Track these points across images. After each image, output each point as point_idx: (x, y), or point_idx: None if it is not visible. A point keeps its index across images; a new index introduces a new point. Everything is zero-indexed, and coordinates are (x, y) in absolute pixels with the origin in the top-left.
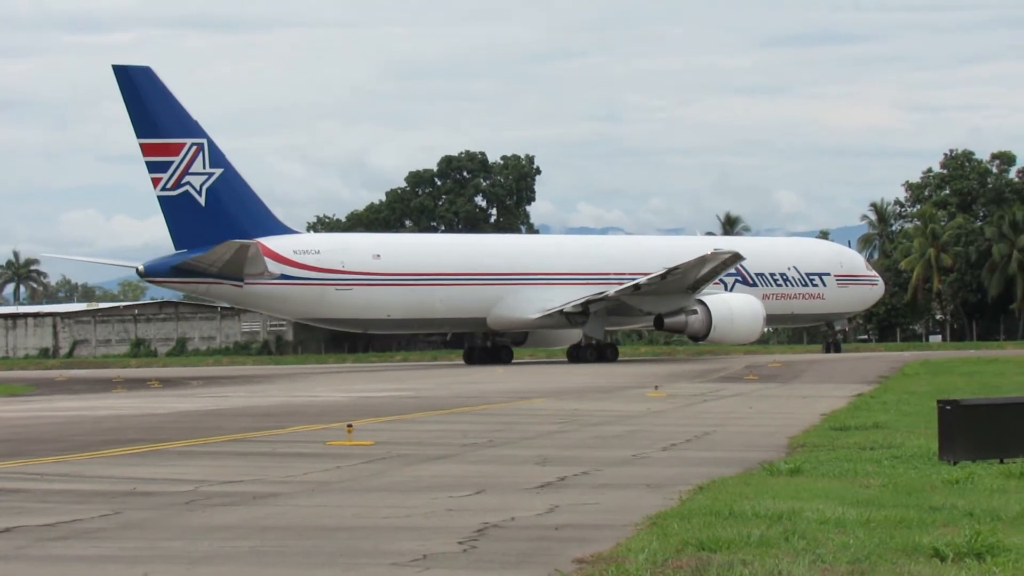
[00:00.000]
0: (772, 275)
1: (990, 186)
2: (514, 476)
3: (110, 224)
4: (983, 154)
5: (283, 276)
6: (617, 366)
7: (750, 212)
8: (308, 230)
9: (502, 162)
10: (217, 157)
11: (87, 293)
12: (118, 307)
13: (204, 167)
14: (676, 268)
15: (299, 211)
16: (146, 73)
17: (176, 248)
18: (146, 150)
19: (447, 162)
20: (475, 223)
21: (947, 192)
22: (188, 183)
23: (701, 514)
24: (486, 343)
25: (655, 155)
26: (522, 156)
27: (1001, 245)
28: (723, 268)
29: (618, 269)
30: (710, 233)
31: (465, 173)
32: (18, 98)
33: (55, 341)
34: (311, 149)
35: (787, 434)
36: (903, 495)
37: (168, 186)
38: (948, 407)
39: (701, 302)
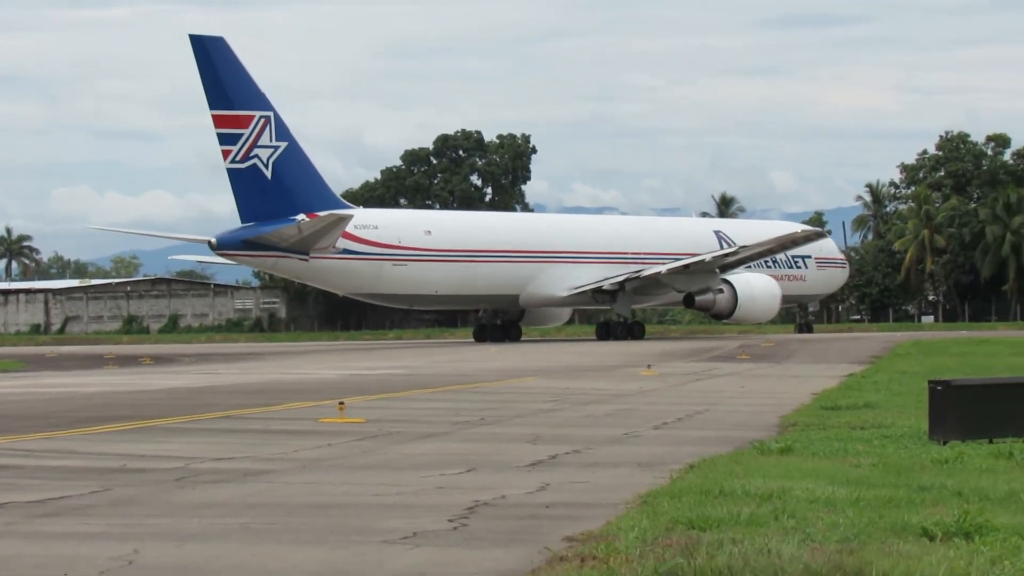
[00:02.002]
0: (765, 261)
1: (985, 168)
2: (505, 454)
3: (102, 200)
4: (978, 136)
5: (346, 251)
6: (612, 344)
7: (745, 193)
8: None
9: (498, 141)
10: (282, 130)
11: (79, 269)
12: (110, 284)
13: (271, 140)
14: (747, 246)
15: None
16: (220, 43)
17: (243, 221)
18: (217, 122)
19: (442, 141)
20: (470, 202)
21: (942, 174)
22: (256, 156)
23: (691, 493)
24: (495, 320)
25: (650, 135)
26: (518, 135)
27: (995, 227)
28: (793, 247)
29: (646, 249)
30: (705, 213)
31: (460, 152)
32: (10, 73)
33: (47, 317)
34: (306, 127)
35: (778, 413)
36: (893, 475)
37: (237, 159)
38: (939, 387)
39: (727, 281)
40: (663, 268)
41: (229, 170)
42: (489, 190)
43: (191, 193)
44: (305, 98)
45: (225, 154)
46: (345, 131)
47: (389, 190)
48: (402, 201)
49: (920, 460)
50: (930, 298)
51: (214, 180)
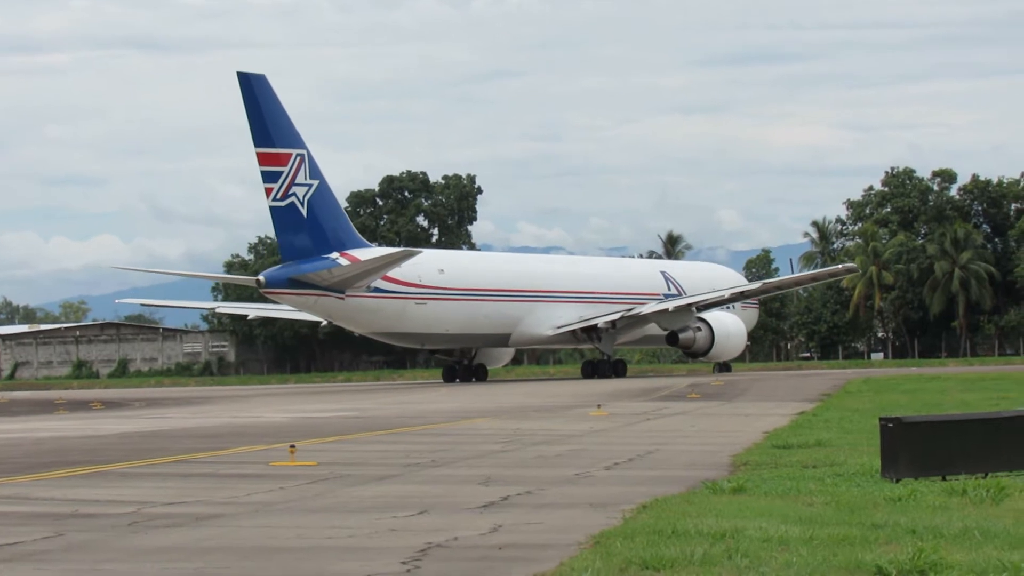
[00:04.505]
0: None
1: (931, 204)
2: (457, 496)
3: (49, 246)
4: (924, 172)
5: (376, 289)
6: (559, 384)
7: (692, 231)
8: (250, 251)
9: (443, 182)
10: (314, 169)
11: (28, 315)
12: (60, 329)
13: (306, 178)
14: (770, 280)
15: (241, 232)
16: (262, 81)
17: (283, 260)
18: (261, 159)
19: (388, 182)
20: (417, 243)
21: (888, 210)
22: (294, 194)
23: (644, 532)
24: (462, 361)
25: (595, 174)
26: (463, 176)
27: (943, 263)
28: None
29: (613, 289)
30: (653, 252)
31: (406, 193)
32: None
33: None
34: (251, 171)
35: (730, 452)
36: (846, 513)
37: (278, 196)
38: (890, 424)
39: (703, 320)
40: (669, 305)
41: (271, 208)
42: (435, 231)
43: (139, 238)
44: (250, 141)
45: (268, 191)
46: None
47: None
48: None
49: (873, 498)
50: (879, 335)
51: (161, 225)
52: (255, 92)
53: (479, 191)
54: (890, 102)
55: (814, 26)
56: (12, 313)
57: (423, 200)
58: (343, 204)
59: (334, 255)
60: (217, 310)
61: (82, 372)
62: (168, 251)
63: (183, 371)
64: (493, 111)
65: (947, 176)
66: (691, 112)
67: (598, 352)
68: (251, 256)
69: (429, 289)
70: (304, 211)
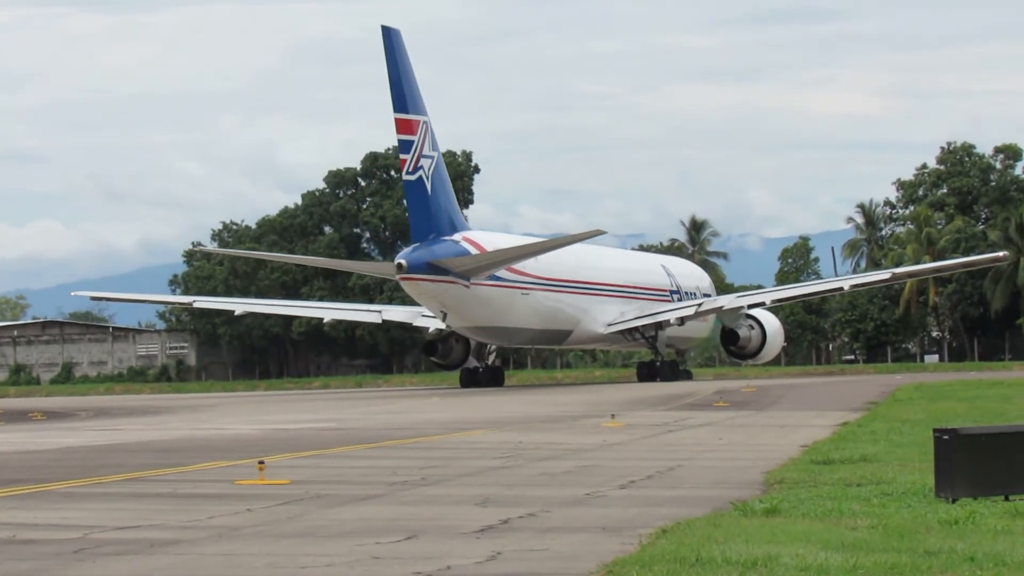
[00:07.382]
0: (693, 295)
1: (993, 184)
2: (450, 519)
3: None
4: (985, 147)
5: (494, 277)
6: (569, 391)
7: (719, 215)
8: (213, 238)
9: None
10: (434, 139)
11: None
12: None
13: (430, 149)
14: (900, 269)
15: (201, 216)
16: (398, 37)
17: (413, 240)
18: (399, 127)
19: (372, 160)
20: (404, 230)
21: (944, 191)
22: (421, 167)
23: (664, 561)
24: (486, 363)
25: (608, 150)
26: (458, 152)
27: (1007, 251)
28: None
29: (642, 283)
30: (674, 239)
31: (393, 172)
32: None
33: None
34: (212, 145)
35: (762, 469)
36: (895, 538)
37: (410, 169)
38: (946, 437)
39: (754, 318)
40: (767, 297)
41: (405, 183)
42: None
43: (85, 222)
44: (211, 111)
45: (402, 164)
46: (258, 149)
47: (312, 217)
48: (327, 229)
49: (926, 521)
50: (934, 334)
51: (111, 208)
52: (395, 50)
53: (476, 170)
54: (946, 66)
55: None
56: None
57: None
58: (320, 186)
59: (457, 237)
60: (195, 304)
61: (20, 378)
62: (120, 239)
63: (136, 376)
64: (491, 77)
65: (1011, 152)
66: (718, 78)
67: (651, 353)
68: (215, 244)
69: (530, 278)
70: (429, 186)
